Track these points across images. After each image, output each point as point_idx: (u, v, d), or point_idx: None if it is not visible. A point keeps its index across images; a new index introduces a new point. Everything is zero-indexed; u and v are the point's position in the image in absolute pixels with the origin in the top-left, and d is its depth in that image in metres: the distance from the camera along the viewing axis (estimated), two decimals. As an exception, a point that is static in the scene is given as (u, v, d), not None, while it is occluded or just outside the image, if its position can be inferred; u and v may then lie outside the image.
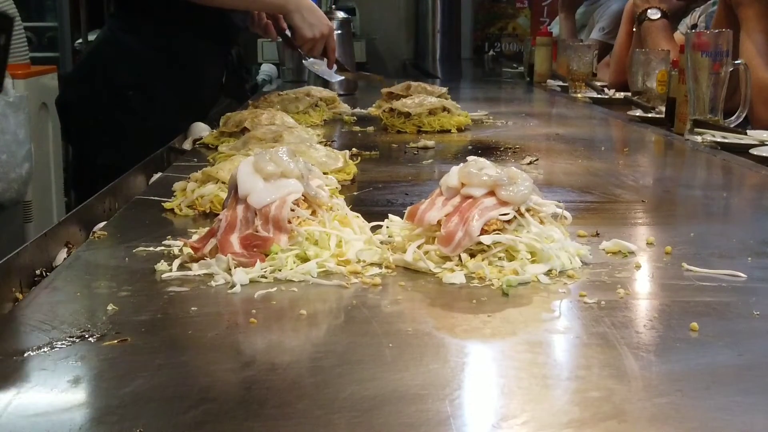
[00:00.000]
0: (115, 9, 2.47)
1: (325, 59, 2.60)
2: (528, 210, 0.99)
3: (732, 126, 2.00)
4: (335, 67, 2.63)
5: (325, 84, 3.21)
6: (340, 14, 3.39)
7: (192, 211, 1.26)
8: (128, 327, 0.79)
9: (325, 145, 1.73)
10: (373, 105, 2.66)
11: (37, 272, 1.01)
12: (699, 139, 1.96)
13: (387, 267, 0.97)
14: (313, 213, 1.02)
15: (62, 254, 1.09)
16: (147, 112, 2.30)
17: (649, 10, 2.93)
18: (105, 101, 2.31)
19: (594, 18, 4.16)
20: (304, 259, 0.97)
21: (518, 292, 0.90)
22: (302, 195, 1.01)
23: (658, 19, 2.92)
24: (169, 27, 2.33)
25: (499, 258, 0.95)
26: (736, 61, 2.02)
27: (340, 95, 2.85)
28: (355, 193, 1.43)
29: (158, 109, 2.31)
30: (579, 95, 3.17)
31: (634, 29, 3.05)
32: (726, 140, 1.90)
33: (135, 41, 2.33)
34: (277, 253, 0.95)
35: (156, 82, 2.32)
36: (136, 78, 2.31)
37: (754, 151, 1.78)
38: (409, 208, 1.04)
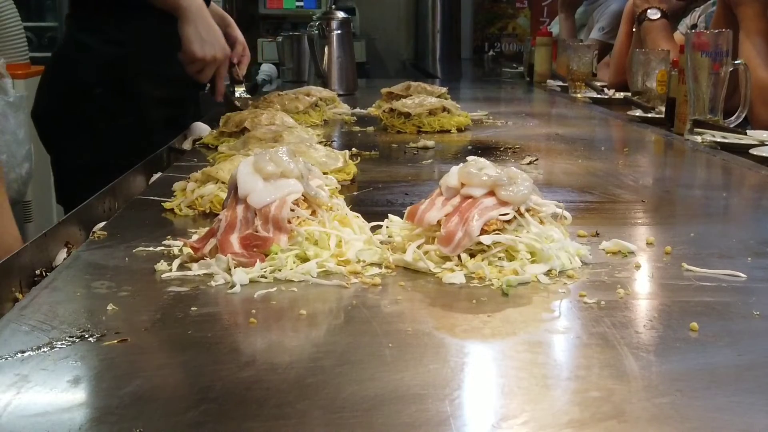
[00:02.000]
0: (72, 9, 2.41)
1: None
2: (528, 210, 0.99)
3: (732, 126, 2.01)
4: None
5: (325, 84, 3.22)
6: (340, 14, 3.39)
7: (192, 211, 1.26)
8: (128, 327, 0.79)
9: (325, 145, 1.73)
10: (373, 105, 2.66)
11: (37, 272, 1.01)
12: (699, 139, 1.96)
13: (387, 267, 0.97)
14: (313, 213, 1.02)
15: (62, 254, 1.09)
16: (119, 108, 2.24)
17: (649, 10, 2.94)
18: (76, 103, 2.24)
19: (594, 18, 4.16)
20: (304, 259, 0.97)
21: (518, 292, 0.90)
22: (302, 195, 1.01)
23: (658, 19, 2.92)
24: (127, 21, 2.24)
25: (499, 258, 0.95)
26: (736, 61, 2.02)
27: (340, 95, 2.85)
28: (355, 193, 1.43)
29: (131, 105, 2.25)
30: (579, 95, 3.17)
31: (634, 29, 3.05)
32: (726, 140, 1.90)
33: (96, 40, 2.25)
34: (277, 253, 0.95)
35: (123, 77, 2.26)
36: (102, 75, 2.23)
37: (754, 151, 1.78)
38: (409, 208, 1.04)
